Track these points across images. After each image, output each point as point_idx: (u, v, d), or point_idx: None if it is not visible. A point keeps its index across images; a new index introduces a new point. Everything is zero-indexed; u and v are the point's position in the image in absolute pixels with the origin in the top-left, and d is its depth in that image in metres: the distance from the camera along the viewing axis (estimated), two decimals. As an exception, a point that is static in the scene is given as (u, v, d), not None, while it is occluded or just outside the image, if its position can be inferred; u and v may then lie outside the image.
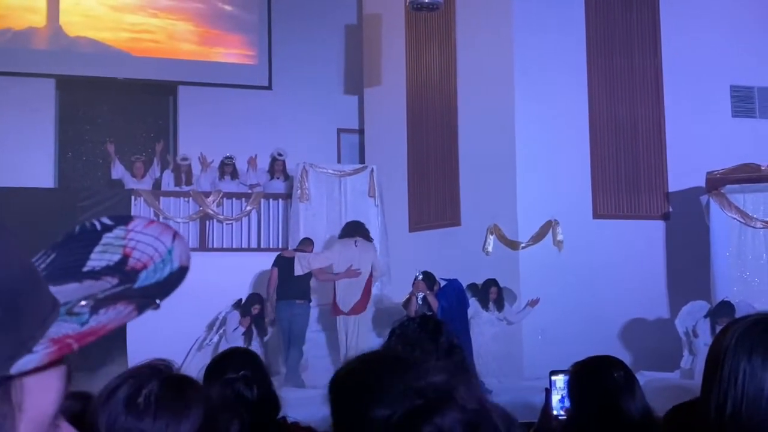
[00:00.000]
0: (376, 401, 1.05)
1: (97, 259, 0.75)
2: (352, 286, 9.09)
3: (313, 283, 9.42)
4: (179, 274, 0.74)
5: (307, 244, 9.64)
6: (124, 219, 0.78)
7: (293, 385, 8.63)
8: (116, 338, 9.99)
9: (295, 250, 9.50)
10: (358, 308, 9.11)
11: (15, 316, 0.64)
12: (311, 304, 9.46)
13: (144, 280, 0.74)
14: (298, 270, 9.05)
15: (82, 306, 0.69)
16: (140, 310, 0.71)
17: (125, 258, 0.75)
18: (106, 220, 0.78)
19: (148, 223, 0.79)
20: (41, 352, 0.65)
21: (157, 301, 0.73)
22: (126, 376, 1.27)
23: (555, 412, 2.99)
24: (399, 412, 1.02)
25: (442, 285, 8.95)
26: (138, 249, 0.76)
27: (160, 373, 1.28)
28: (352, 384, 1.11)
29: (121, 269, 0.74)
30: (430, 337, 2.49)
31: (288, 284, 9.16)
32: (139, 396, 1.23)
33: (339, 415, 1.09)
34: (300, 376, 8.84)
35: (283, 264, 9.29)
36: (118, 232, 0.77)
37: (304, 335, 9.15)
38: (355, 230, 9.27)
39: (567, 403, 2.80)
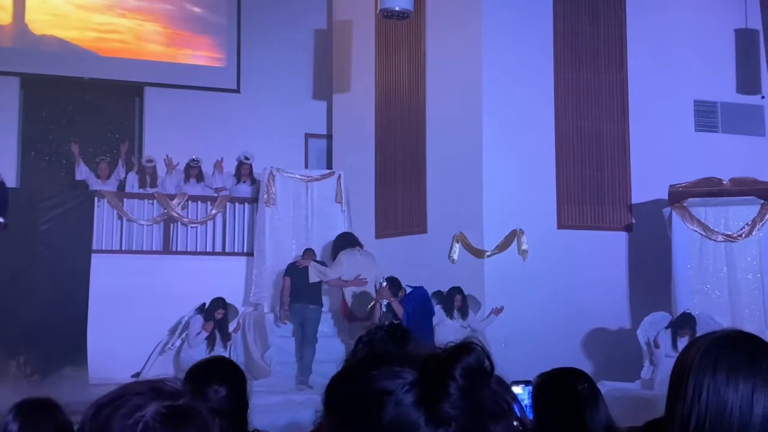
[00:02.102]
0: (383, 373, 1.03)
1: None
2: (364, 294, 9.61)
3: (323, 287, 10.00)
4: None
5: (312, 254, 10.01)
6: None
7: (302, 382, 9.18)
8: (76, 341, 9.86)
9: (303, 259, 9.88)
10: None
11: None
12: (324, 309, 9.99)
13: None
14: (314, 277, 9.60)
15: None
16: None
17: None
18: None
19: None
20: None
21: (1, 220, 0.70)
22: (131, 392, 1.15)
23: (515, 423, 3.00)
24: (412, 374, 1.00)
25: (408, 291, 8.98)
26: None
27: (164, 398, 1.15)
28: (353, 367, 1.10)
29: None
30: (398, 345, 2.49)
31: (301, 290, 9.62)
32: (130, 418, 1.13)
33: (341, 403, 1.07)
34: (310, 375, 9.26)
35: (296, 272, 9.71)
36: None
37: (316, 336, 9.60)
38: (353, 241, 9.90)
39: (528, 414, 2.81)
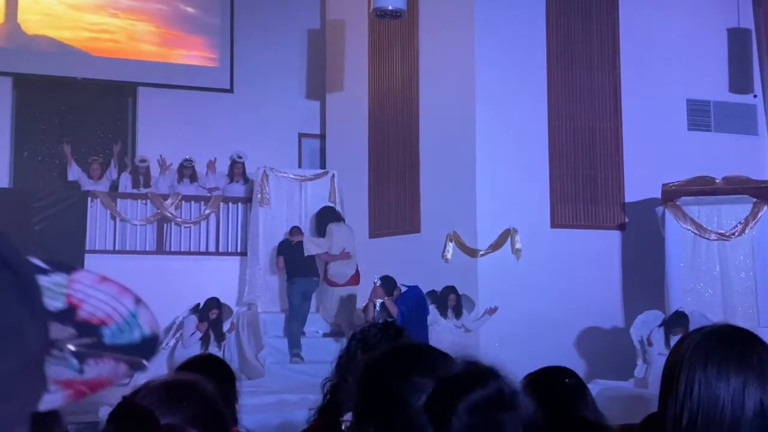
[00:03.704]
0: (413, 384, 1.04)
1: None
2: (346, 261, 10.05)
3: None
4: (153, 341, 0.71)
5: (299, 231, 10.22)
6: (63, 266, 0.74)
7: (295, 354, 9.56)
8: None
9: (291, 236, 10.16)
10: (354, 281, 10.01)
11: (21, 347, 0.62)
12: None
13: (112, 338, 0.70)
14: (310, 250, 9.89)
15: (68, 352, 0.67)
16: (132, 369, 0.69)
17: (72, 308, 0.71)
18: (39, 262, 0.73)
19: (100, 278, 0.74)
20: (59, 393, 0.64)
21: (144, 362, 0.71)
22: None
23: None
24: (433, 389, 1.01)
25: (402, 291, 8.98)
26: (89, 303, 0.72)
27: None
28: (389, 366, 1.11)
29: (71, 319, 0.70)
30: (391, 343, 2.49)
31: (300, 264, 9.88)
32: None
33: (370, 399, 1.08)
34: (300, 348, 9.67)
35: (289, 249, 9.97)
36: (57, 278, 0.72)
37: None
38: (338, 215, 10.34)
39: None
